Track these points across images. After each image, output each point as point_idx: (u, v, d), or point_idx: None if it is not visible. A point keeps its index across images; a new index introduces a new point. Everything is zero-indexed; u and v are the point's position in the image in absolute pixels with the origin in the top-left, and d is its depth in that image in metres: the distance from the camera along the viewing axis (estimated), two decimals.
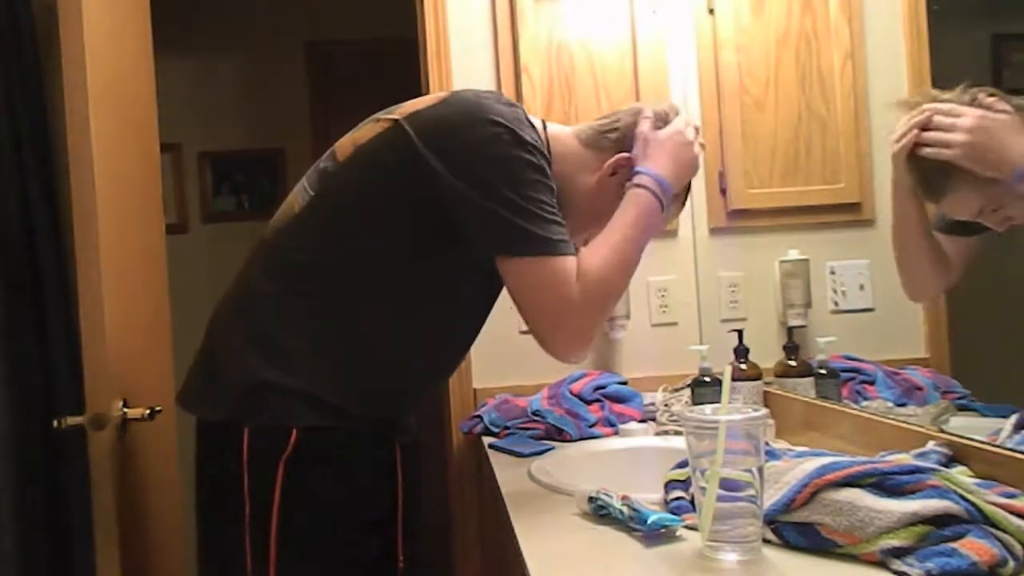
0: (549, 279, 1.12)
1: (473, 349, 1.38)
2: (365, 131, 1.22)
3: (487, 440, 1.73)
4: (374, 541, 1.21)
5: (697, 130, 1.30)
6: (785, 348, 1.65)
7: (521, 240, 1.11)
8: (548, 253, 1.11)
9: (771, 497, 0.95)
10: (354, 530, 1.18)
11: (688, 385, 1.74)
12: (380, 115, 1.23)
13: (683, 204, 1.38)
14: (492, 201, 1.11)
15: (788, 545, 0.95)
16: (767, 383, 1.68)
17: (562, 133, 1.31)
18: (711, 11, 1.99)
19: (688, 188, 1.33)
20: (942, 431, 1.16)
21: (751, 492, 0.90)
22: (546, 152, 1.18)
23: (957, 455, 1.09)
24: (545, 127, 1.28)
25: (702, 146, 1.30)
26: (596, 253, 1.16)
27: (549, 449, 1.61)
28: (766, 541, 0.95)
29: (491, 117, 1.13)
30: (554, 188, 1.16)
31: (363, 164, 1.19)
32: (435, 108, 1.19)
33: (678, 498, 1.11)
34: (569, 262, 1.13)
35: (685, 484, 1.12)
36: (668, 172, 1.23)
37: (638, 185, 1.22)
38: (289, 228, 1.22)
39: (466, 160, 1.13)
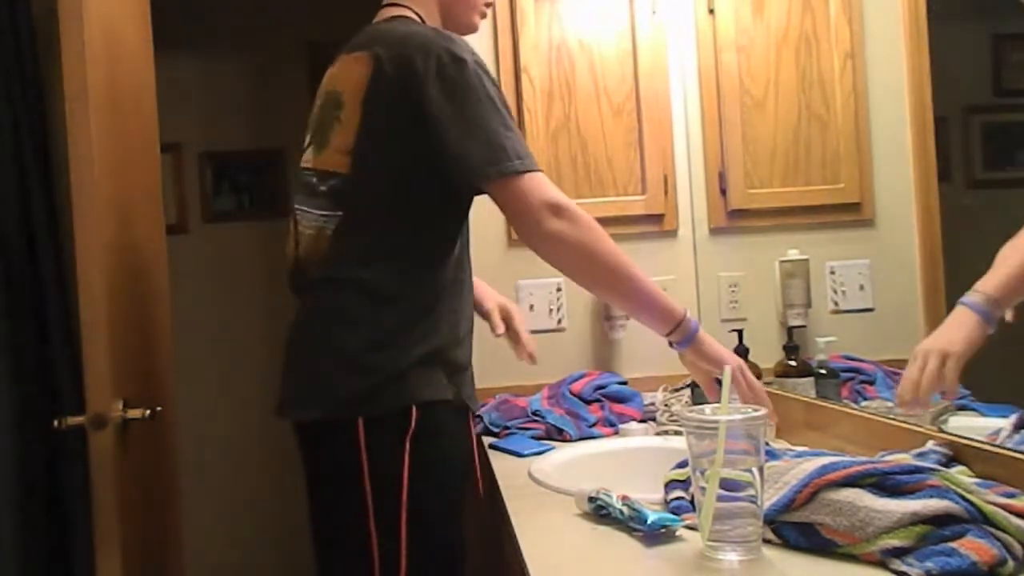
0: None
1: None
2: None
3: (487, 440, 1.73)
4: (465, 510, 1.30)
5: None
6: (785, 348, 1.65)
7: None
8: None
9: (771, 497, 0.95)
10: (460, 500, 1.26)
11: (688, 385, 1.74)
12: None
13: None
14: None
15: (788, 545, 0.95)
16: (767, 383, 1.68)
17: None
18: (711, 11, 1.99)
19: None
20: (942, 431, 1.16)
21: (751, 492, 0.90)
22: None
23: (957, 455, 1.09)
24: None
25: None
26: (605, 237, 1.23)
27: (549, 449, 1.61)
28: (766, 541, 0.96)
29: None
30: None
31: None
32: None
33: (678, 498, 1.11)
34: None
35: (685, 484, 1.12)
36: (709, 346, 1.27)
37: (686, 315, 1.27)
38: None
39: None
